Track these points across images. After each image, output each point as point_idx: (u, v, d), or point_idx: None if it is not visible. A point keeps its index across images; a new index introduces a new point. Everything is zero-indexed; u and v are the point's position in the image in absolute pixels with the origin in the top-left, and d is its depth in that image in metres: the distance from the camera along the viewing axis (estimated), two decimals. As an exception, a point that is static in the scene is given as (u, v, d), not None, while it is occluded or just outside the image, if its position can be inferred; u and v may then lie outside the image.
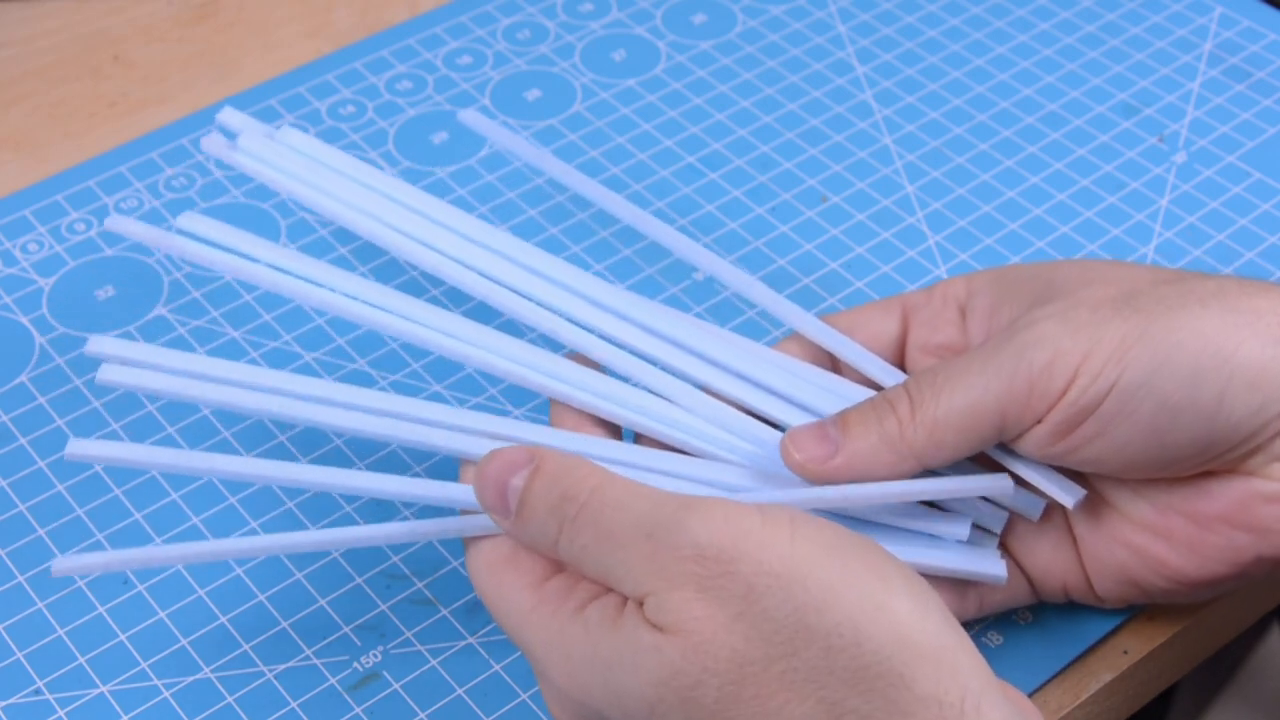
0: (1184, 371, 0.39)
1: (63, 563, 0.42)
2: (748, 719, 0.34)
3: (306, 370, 0.54)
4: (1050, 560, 0.44)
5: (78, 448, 0.42)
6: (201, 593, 0.47)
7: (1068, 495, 0.43)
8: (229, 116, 0.50)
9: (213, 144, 0.49)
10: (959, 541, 0.43)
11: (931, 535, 0.43)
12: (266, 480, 0.43)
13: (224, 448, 0.51)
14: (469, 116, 0.51)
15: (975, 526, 0.44)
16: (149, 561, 0.43)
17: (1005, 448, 0.43)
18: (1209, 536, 0.42)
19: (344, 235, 0.58)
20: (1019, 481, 0.44)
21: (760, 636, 0.34)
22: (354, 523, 0.49)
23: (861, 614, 0.34)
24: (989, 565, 0.43)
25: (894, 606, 0.34)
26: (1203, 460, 0.41)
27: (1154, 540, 0.43)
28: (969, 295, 0.46)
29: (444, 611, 0.47)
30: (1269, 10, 0.68)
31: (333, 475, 0.43)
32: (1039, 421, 0.41)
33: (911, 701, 0.33)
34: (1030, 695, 0.46)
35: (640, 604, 0.36)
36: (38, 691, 0.45)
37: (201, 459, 0.43)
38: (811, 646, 0.34)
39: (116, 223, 0.47)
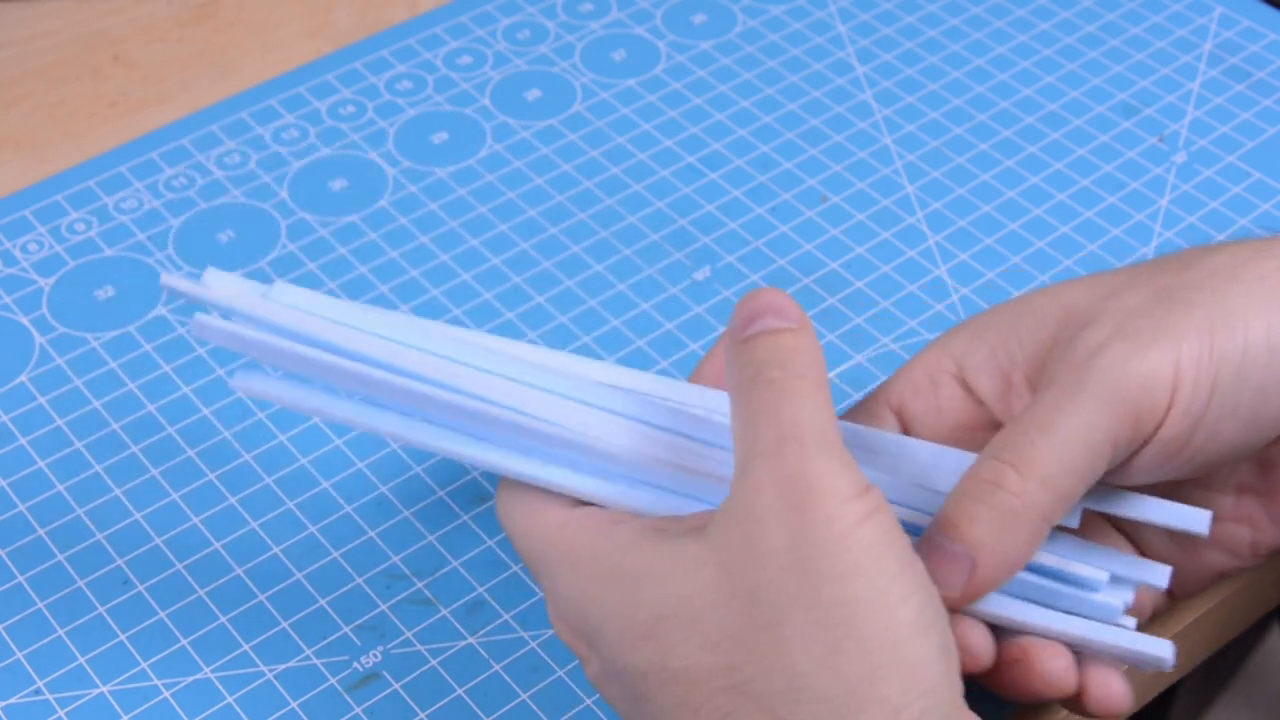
0: (1262, 350, 0.39)
1: (245, 381, 0.42)
2: (726, 661, 0.35)
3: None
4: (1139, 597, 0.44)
5: (243, 381, 0.42)
6: (201, 593, 0.47)
7: (1197, 521, 0.41)
8: (215, 280, 0.42)
9: (203, 326, 0.42)
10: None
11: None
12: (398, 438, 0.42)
13: (224, 448, 0.51)
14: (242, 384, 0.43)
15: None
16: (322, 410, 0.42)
17: (1108, 496, 0.41)
18: None
19: (344, 235, 0.58)
20: (1132, 528, 0.43)
21: (779, 581, 0.35)
22: (354, 523, 0.49)
23: (867, 602, 0.34)
24: (1153, 646, 0.40)
25: (900, 611, 0.35)
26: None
27: (1239, 528, 0.43)
28: (959, 363, 0.44)
29: (444, 611, 0.47)
30: (1269, 10, 0.68)
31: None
32: (1146, 443, 0.39)
33: (870, 701, 0.34)
34: (1030, 695, 0.46)
35: (703, 524, 0.37)
36: (38, 691, 0.45)
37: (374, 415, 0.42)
38: (811, 610, 0.34)
39: (204, 329, 0.41)
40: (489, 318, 0.56)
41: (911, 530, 0.40)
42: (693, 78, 0.66)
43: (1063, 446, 0.39)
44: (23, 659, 0.46)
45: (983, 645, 0.39)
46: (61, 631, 0.47)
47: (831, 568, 0.34)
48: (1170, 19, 0.68)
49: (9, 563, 0.48)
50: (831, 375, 0.54)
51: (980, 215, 0.60)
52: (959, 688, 0.35)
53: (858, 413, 0.45)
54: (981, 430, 0.43)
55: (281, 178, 0.61)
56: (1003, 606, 0.40)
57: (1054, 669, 0.39)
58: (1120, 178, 0.61)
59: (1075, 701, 0.40)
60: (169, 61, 0.66)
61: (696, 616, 0.35)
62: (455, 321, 0.55)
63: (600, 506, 0.40)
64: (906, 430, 0.44)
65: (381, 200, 0.60)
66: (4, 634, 0.47)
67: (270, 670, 0.46)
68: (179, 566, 0.48)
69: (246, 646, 0.46)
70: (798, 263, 0.58)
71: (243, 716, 0.45)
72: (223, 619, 0.47)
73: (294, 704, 0.45)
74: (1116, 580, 0.41)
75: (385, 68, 0.66)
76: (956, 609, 0.39)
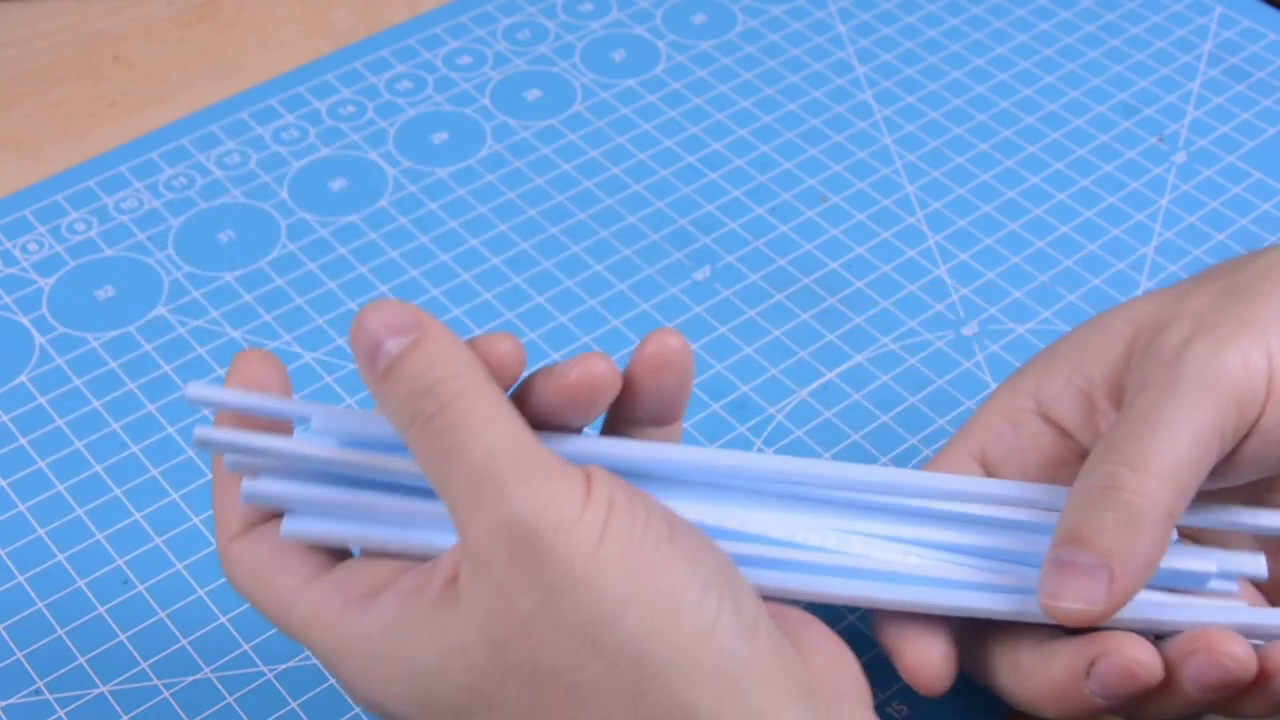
0: None
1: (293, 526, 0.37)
2: None
3: (306, 370, 0.54)
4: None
5: (255, 486, 0.37)
6: (201, 593, 0.47)
7: None
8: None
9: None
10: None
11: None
12: None
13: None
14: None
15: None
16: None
17: (1194, 510, 0.41)
18: None
19: (345, 235, 0.58)
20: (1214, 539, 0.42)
21: (550, 643, 0.33)
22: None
23: (646, 631, 0.33)
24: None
25: (680, 623, 0.33)
26: None
27: None
28: (1035, 398, 0.43)
29: (444, 611, 0.47)
30: (1269, 10, 0.68)
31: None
32: (1249, 434, 0.39)
33: None
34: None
35: (454, 578, 0.35)
36: (38, 691, 0.45)
37: None
38: (596, 663, 0.33)
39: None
40: (489, 318, 0.56)
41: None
42: (693, 78, 0.66)
43: (1173, 440, 0.37)
44: (22, 659, 0.46)
45: (1153, 659, 0.38)
46: (61, 631, 0.47)
47: (596, 615, 0.33)
48: (1170, 19, 0.68)
49: (9, 563, 0.48)
50: (831, 375, 0.54)
51: (980, 215, 0.60)
52: (781, 666, 0.34)
53: (936, 467, 0.43)
54: (1070, 465, 0.42)
55: (281, 178, 0.61)
56: (1143, 611, 0.39)
57: (1239, 651, 0.38)
58: (1120, 178, 0.61)
59: (1256, 690, 0.39)
60: (169, 61, 0.66)
61: (491, 701, 0.34)
62: (455, 321, 0.55)
63: (344, 567, 0.37)
64: (990, 474, 0.43)
65: (381, 200, 0.60)
66: (4, 634, 0.47)
67: (270, 670, 0.46)
68: (179, 566, 0.48)
69: (246, 646, 0.46)
70: (798, 263, 0.58)
71: (243, 716, 0.45)
72: (222, 619, 0.47)
73: (294, 704, 0.45)
74: (1222, 574, 0.40)
75: (385, 68, 0.66)
76: (1100, 622, 0.37)
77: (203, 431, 0.37)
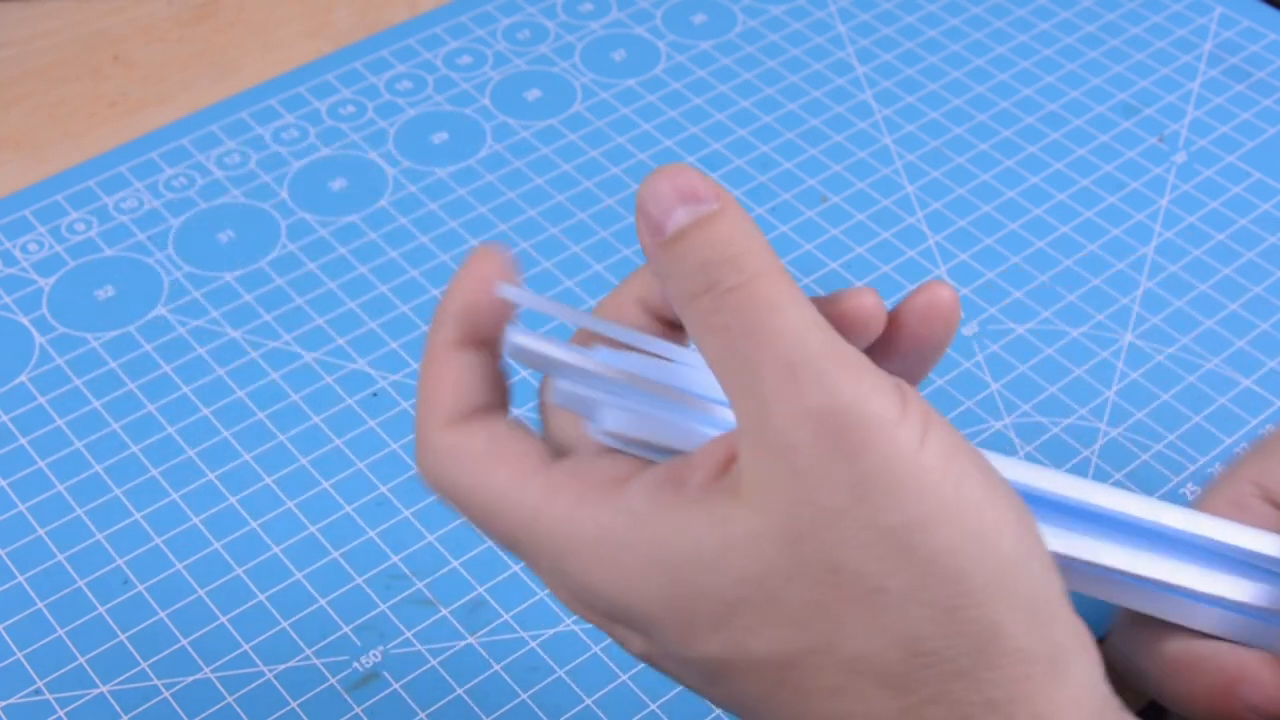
0: None
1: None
2: (821, 638, 0.31)
3: (306, 370, 0.54)
4: None
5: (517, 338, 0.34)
6: (201, 593, 0.48)
7: None
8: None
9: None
10: None
11: None
12: None
13: (224, 447, 0.51)
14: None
15: None
16: None
17: None
18: None
19: (344, 235, 0.58)
20: None
21: (857, 544, 0.30)
22: (354, 523, 0.49)
23: (966, 546, 0.31)
24: None
25: (1001, 544, 0.31)
26: None
27: None
28: (1259, 483, 0.41)
29: (444, 611, 0.47)
30: (1269, 10, 0.68)
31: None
32: None
33: (999, 654, 0.31)
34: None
35: (724, 467, 0.32)
36: (38, 691, 0.45)
37: None
38: (905, 571, 0.30)
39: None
40: (489, 318, 0.56)
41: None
42: (693, 78, 0.66)
43: None
44: (23, 659, 0.46)
45: None
46: (61, 631, 0.47)
47: (913, 518, 0.30)
48: (1170, 19, 0.68)
49: (9, 563, 0.48)
50: (831, 375, 0.54)
51: (980, 215, 0.60)
52: (1074, 612, 0.32)
53: None
54: None
55: (281, 178, 0.61)
56: None
57: None
58: (1120, 178, 0.61)
59: None
60: (169, 61, 0.66)
61: (773, 598, 0.31)
62: (455, 321, 0.55)
63: (571, 462, 0.34)
64: None
65: (381, 200, 0.60)
66: (4, 634, 0.47)
67: (270, 670, 0.46)
68: (179, 566, 0.48)
69: (246, 646, 0.46)
70: (798, 263, 0.58)
71: (243, 716, 0.45)
72: (223, 619, 0.47)
73: (294, 704, 0.45)
74: None
75: (385, 68, 0.66)
76: None
77: (517, 338, 0.34)
